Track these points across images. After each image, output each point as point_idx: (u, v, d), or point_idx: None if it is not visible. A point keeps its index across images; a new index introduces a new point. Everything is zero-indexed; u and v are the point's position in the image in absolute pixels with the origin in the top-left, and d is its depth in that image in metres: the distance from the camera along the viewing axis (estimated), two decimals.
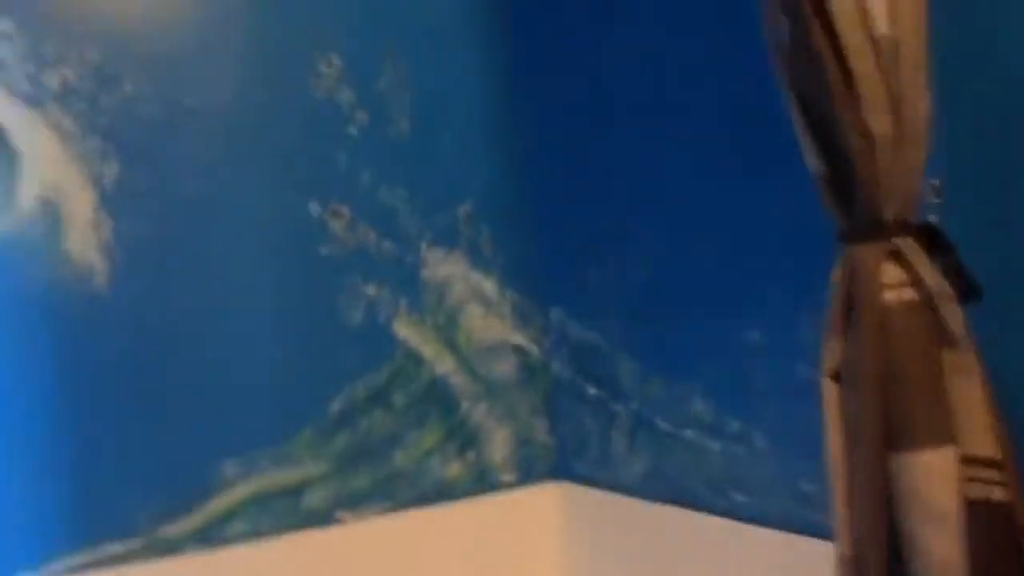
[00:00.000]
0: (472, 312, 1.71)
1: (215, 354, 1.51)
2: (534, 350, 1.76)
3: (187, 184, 1.50)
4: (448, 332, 1.69)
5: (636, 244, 1.60)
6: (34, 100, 1.40)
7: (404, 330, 1.66)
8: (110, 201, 1.44)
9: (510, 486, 1.73)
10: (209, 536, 1.51)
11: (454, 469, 1.68)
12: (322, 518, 1.60)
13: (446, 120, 1.71)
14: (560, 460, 1.76)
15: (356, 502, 1.61)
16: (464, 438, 1.69)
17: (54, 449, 1.39)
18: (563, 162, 1.73)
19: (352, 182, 1.62)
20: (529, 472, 1.75)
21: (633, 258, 1.61)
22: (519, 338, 1.75)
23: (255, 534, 1.55)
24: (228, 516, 1.53)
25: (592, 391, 1.71)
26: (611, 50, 1.60)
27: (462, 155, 1.72)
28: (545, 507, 1.74)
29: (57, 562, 1.40)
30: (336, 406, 1.60)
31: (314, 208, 1.59)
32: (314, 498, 1.59)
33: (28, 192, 1.39)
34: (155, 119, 1.48)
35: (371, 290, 1.63)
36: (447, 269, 1.70)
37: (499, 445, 1.72)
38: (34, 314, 1.39)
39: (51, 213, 1.40)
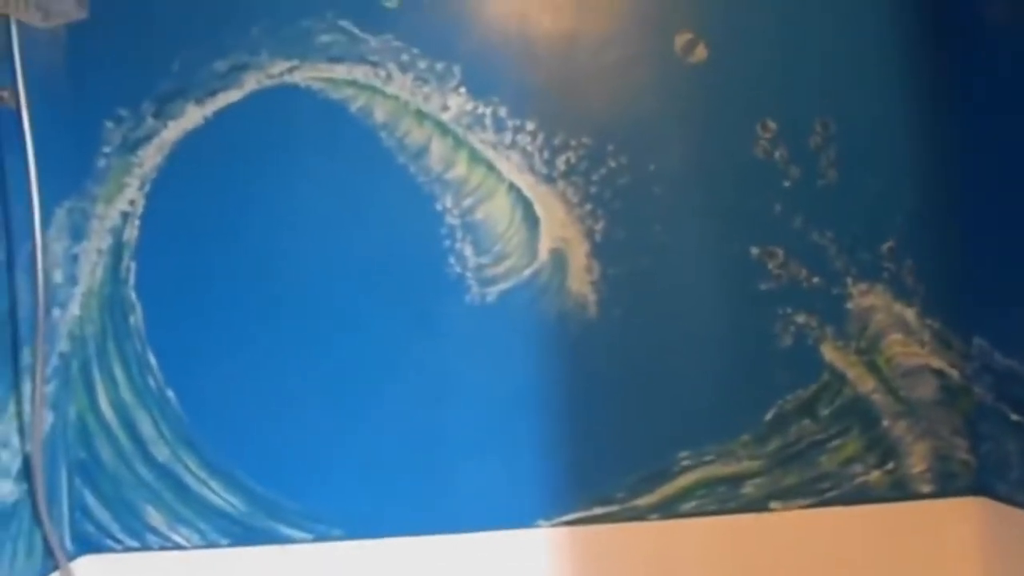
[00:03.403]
0: (893, 338, 1.94)
1: (676, 367, 1.93)
2: (954, 374, 1.93)
3: (654, 233, 1.94)
4: (870, 355, 1.93)
5: None
6: (548, 178, 1.94)
7: (830, 353, 1.94)
8: (599, 250, 1.93)
9: (928, 496, 1.92)
10: (667, 509, 1.93)
11: (874, 476, 1.92)
12: (757, 505, 1.94)
13: (870, 166, 1.95)
14: (980, 478, 1.91)
15: (786, 495, 1.93)
16: (884, 449, 1.93)
17: (564, 434, 1.91)
18: (987, 197, 1.87)
19: (785, 227, 1.94)
20: (947, 486, 1.93)
21: None
22: (939, 362, 1.93)
23: (702, 512, 1.94)
24: (682, 496, 1.94)
25: (1014, 416, 1.83)
26: None
27: (886, 197, 1.95)
28: (963, 520, 1.91)
29: (562, 516, 1.92)
30: (769, 415, 1.93)
31: (753, 250, 1.94)
32: (751, 488, 1.94)
33: (544, 246, 1.93)
34: (629, 184, 1.94)
35: (801, 318, 1.94)
36: (870, 300, 1.94)
37: (918, 459, 1.93)
38: (549, 334, 1.92)
39: (558, 261, 1.93)
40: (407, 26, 1.91)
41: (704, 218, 1.95)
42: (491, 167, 1.93)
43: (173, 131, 1.88)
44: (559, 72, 1.94)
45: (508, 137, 1.93)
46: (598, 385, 1.93)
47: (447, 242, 1.91)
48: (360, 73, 1.91)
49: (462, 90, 1.92)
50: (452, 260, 1.91)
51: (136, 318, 1.86)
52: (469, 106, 1.92)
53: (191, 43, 1.87)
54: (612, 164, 1.95)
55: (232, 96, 1.88)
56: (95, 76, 1.86)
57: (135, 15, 1.87)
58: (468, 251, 1.91)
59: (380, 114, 1.91)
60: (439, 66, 1.92)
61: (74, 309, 1.84)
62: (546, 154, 1.94)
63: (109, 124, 1.87)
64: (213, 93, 1.88)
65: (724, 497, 1.94)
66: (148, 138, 1.88)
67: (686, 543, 1.93)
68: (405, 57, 1.92)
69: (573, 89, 1.93)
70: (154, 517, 1.86)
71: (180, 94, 1.88)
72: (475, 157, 1.92)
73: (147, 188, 1.87)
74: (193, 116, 1.88)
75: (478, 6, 1.93)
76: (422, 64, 1.92)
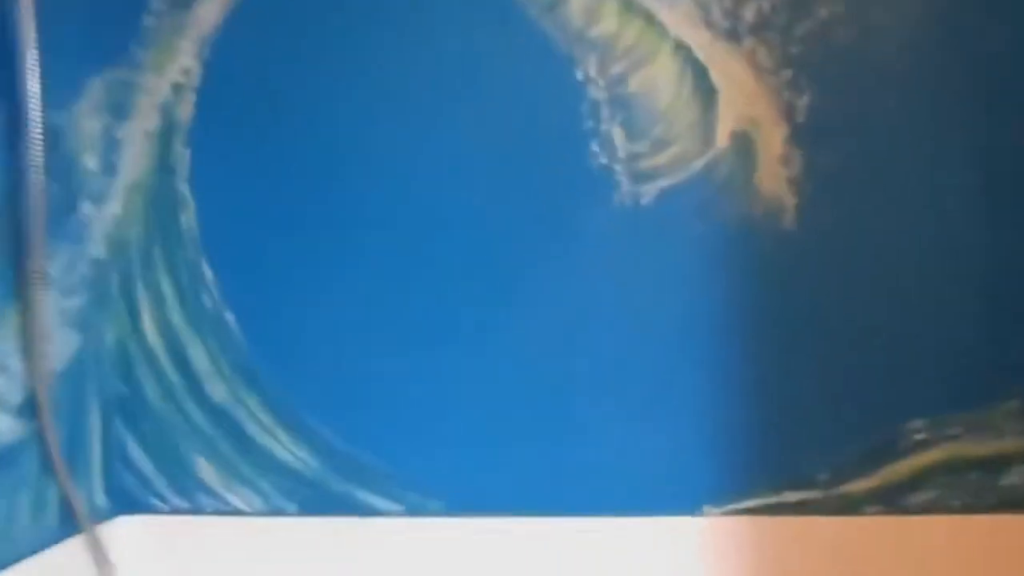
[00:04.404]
0: None
1: (908, 301, 1.37)
2: None
3: (882, 111, 1.37)
4: None
5: None
6: (731, 33, 1.39)
7: None
8: (801, 133, 1.38)
9: None
10: (891, 500, 1.38)
11: None
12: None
13: None
14: None
15: None
16: None
17: (744, 390, 1.39)
18: None
19: None
20: None
21: None
22: None
23: (943, 508, 1.38)
24: (914, 482, 1.38)
25: None
26: None
27: None
28: None
29: (737, 501, 1.40)
30: None
31: None
32: (1017, 478, 1.36)
33: (723, 128, 1.39)
34: (846, 43, 1.38)
35: None
36: None
37: None
38: (727, 250, 1.39)
39: (743, 148, 1.39)
40: None
41: (947, 86, 1.36)
42: (650, 18, 1.40)
43: None
44: None
45: None
46: (795, 323, 1.38)
47: (589, 123, 1.40)
48: None
49: None
50: (596, 147, 1.40)
51: (189, 218, 1.46)
52: None
53: None
54: (823, 12, 1.38)
55: None
56: None
57: None
58: (618, 135, 1.40)
59: None
60: None
61: (113, 206, 1.45)
62: (728, 1, 1.40)
63: None
64: None
65: (977, 487, 1.37)
66: None
67: (918, 548, 1.37)
68: None
69: None
70: (207, 472, 1.46)
71: None
72: (628, 5, 1.40)
73: (205, 54, 1.46)
74: None
75: None
76: None
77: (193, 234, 1.45)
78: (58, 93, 1.31)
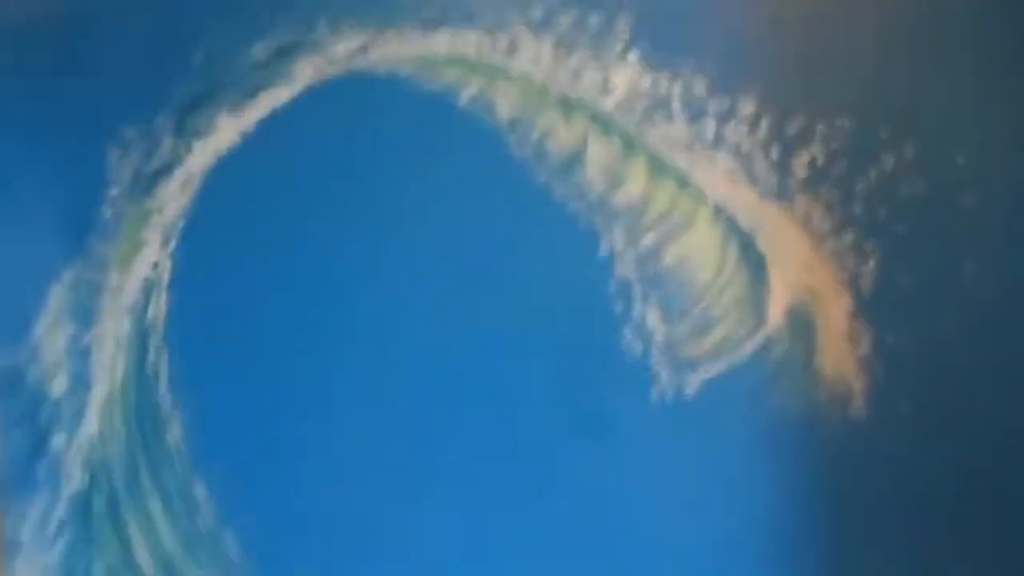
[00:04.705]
0: None
1: (1002, 498, 1.18)
2: None
3: (967, 276, 1.17)
4: None
5: None
6: (781, 191, 1.19)
7: None
8: (870, 306, 1.18)
9: None
10: None
11: None
12: None
13: None
14: None
15: None
16: None
17: None
18: None
19: None
20: None
21: None
22: None
23: None
24: None
25: None
26: None
27: None
28: None
29: None
30: None
31: None
32: None
33: (777, 302, 1.19)
34: (922, 194, 1.17)
35: None
36: None
37: None
38: (787, 446, 1.21)
39: (801, 325, 1.19)
40: None
41: None
42: (684, 180, 1.20)
43: (200, 156, 1.27)
44: (793, 13, 1.17)
45: (711, 128, 1.19)
46: (870, 527, 1.20)
47: (619, 305, 1.21)
48: (470, 43, 1.21)
49: (633, 56, 1.19)
50: (628, 333, 1.21)
51: (174, 434, 1.31)
52: (646, 82, 1.19)
53: (216, 22, 1.24)
54: (890, 161, 1.17)
55: (279, 95, 1.24)
56: (90, 83, 1.27)
57: None
58: (653, 317, 1.21)
59: (503, 106, 1.21)
60: (594, 20, 1.19)
61: (89, 426, 1.30)
62: (775, 152, 1.19)
63: (114, 152, 1.28)
64: (252, 94, 1.25)
65: None
66: (168, 169, 1.28)
67: None
68: (539, 11, 1.21)
69: (818, 42, 1.16)
70: None
71: (207, 99, 1.26)
72: (658, 166, 1.20)
73: (172, 244, 1.29)
74: (227, 131, 1.26)
75: None
76: (567, 19, 1.20)
77: (181, 450, 1.30)
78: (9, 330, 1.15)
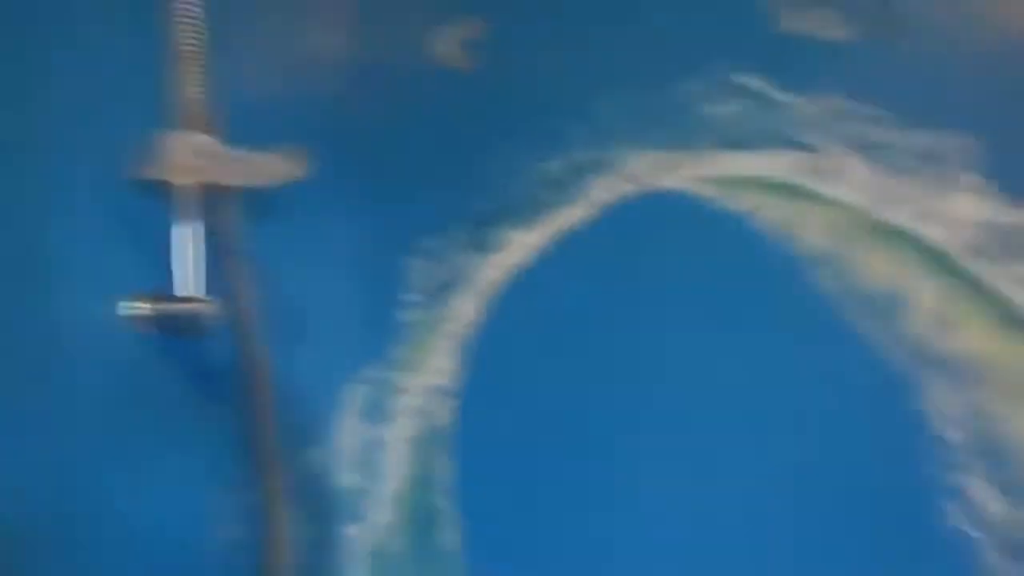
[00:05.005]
0: None
1: None
2: None
3: None
4: None
5: None
6: None
7: None
8: None
9: None
10: None
11: None
12: None
13: None
14: None
15: None
16: None
17: None
18: None
19: None
20: None
21: None
22: None
23: None
24: None
25: None
26: None
27: None
28: None
29: None
30: None
31: None
32: None
33: None
34: None
35: None
36: None
37: None
38: None
39: None
40: (864, 70, 1.05)
41: None
42: None
43: (492, 269, 1.26)
44: None
45: None
46: None
47: (936, 471, 1.04)
48: (781, 165, 1.10)
49: (975, 181, 1.02)
50: (951, 508, 1.03)
51: (451, 539, 1.31)
52: (991, 211, 1.01)
53: (511, 137, 1.22)
54: None
55: (570, 215, 1.20)
56: (394, 194, 1.30)
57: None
58: (982, 489, 1.03)
59: (814, 235, 1.08)
60: (925, 140, 1.03)
61: (380, 515, 1.34)
62: None
63: (413, 261, 1.31)
64: (546, 210, 1.21)
65: None
66: (461, 280, 1.28)
67: None
68: (859, 127, 1.06)
69: None
70: None
71: (500, 214, 1.24)
72: (1009, 316, 1.01)
73: (460, 353, 1.29)
74: (518, 246, 1.24)
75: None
76: (894, 137, 1.05)
77: (456, 556, 1.31)
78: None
